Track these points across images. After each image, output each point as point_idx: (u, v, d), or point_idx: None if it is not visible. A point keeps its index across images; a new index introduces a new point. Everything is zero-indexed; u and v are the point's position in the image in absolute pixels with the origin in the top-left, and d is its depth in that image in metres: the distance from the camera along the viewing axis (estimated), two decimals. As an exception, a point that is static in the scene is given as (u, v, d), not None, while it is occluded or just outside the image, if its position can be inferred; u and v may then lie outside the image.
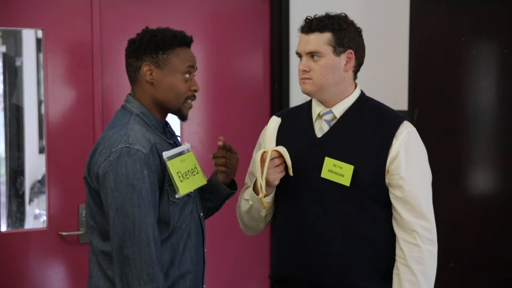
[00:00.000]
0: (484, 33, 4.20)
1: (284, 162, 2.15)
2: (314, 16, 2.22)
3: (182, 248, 2.10)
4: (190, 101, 2.14)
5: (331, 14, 2.22)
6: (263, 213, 2.26)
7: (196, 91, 2.14)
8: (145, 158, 1.97)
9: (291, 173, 2.16)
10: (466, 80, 4.18)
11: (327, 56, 2.18)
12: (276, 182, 2.17)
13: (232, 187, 2.33)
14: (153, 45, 2.07)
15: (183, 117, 2.15)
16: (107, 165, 1.97)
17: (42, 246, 3.19)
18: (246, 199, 2.30)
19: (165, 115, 2.17)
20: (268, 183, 2.15)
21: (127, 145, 1.97)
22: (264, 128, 2.39)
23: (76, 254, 3.23)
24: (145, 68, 2.08)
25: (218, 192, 2.29)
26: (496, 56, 4.26)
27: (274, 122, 2.17)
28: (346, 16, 2.23)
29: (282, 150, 2.14)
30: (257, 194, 2.20)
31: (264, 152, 2.13)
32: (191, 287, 2.14)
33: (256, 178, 2.17)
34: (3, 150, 4.00)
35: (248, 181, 2.39)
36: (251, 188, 2.26)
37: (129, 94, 2.15)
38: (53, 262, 3.22)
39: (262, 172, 2.11)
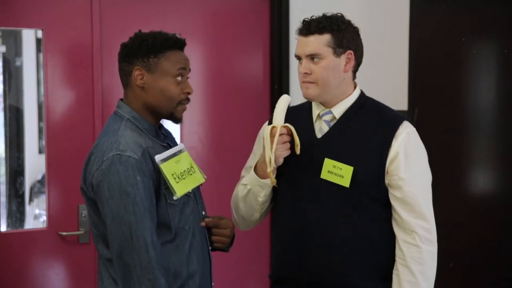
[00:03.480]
0: (484, 33, 4.20)
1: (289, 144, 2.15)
2: (311, 17, 2.21)
3: (188, 248, 2.09)
4: (183, 103, 2.11)
5: (328, 14, 2.21)
6: (260, 198, 2.24)
7: (189, 93, 2.10)
8: (137, 164, 1.96)
9: (298, 152, 2.16)
10: (466, 80, 4.18)
11: (327, 58, 2.17)
12: (281, 160, 2.15)
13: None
14: (144, 49, 2.05)
15: (176, 120, 2.12)
16: (100, 174, 1.96)
17: (42, 246, 3.19)
18: (244, 184, 2.28)
19: (158, 119, 2.14)
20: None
21: (118, 152, 1.96)
22: (265, 123, 2.40)
23: (76, 254, 3.23)
24: (136, 73, 2.06)
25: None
26: (496, 56, 4.26)
27: (285, 99, 2.17)
28: (342, 16, 2.22)
29: (291, 127, 2.14)
30: (260, 176, 2.19)
31: (273, 127, 2.13)
32: (201, 287, 2.13)
33: (259, 158, 2.18)
34: (3, 150, 4.00)
35: (245, 174, 2.38)
36: (252, 171, 2.24)
37: (121, 99, 2.14)
38: (53, 262, 3.22)
39: (271, 146, 2.11)
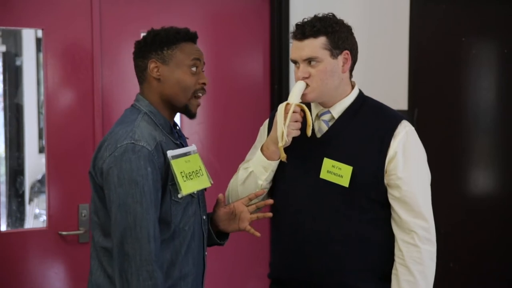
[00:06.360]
0: (484, 33, 4.20)
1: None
2: (303, 20, 2.20)
3: (185, 250, 2.10)
4: (199, 95, 2.14)
5: (319, 16, 2.20)
6: (261, 181, 2.24)
7: (204, 84, 2.14)
8: (149, 155, 1.98)
9: (309, 133, 2.17)
10: (466, 80, 4.18)
11: (325, 61, 2.16)
12: (289, 139, 2.16)
13: (222, 238, 2.32)
14: (157, 42, 2.09)
15: (190, 115, 2.15)
16: (112, 161, 1.98)
17: (42, 246, 3.19)
18: (245, 168, 2.29)
19: (174, 114, 2.17)
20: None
21: (132, 141, 1.98)
22: (266, 120, 2.41)
23: (76, 253, 3.23)
24: (151, 65, 2.10)
25: (207, 235, 2.28)
26: (496, 56, 4.25)
27: (302, 84, 2.17)
28: (334, 16, 2.22)
29: (305, 107, 2.16)
30: (266, 157, 2.20)
31: (287, 104, 2.15)
32: None
33: (267, 138, 2.20)
34: (3, 150, 4.01)
35: (241, 165, 2.38)
36: (258, 152, 2.24)
37: (139, 93, 2.17)
38: (53, 261, 3.23)
39: (285, 121, 2.13)
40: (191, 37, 2.14)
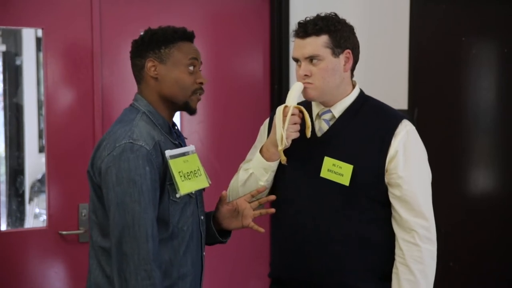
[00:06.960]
0: (484, 33, 4.20)
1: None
2: (306, 19, 2.20)
3: (184, 250, 2.10)
4: (197, 94, 2.14)
5: (322, 15, 2.20)
6: (262, 182, 2.24)
7: (202, 83, 2.14)
8: (147, 154, 1.99)
9: (308, 134, 2.16)
10: (466, 80, 4.18)
11: (326, 59, 2.17)
12: (289, 141, 2.15)
13: (224, 236, 2.32)
14: (154, 42, 2.10)
15: (191, 111, 2.16)
16: (110, 160, 1.98)
17: (42, 245, 3.19)
18: (245, 169, 2.29)
19: (173, 113, 2.17)
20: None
21: (131, 140, 1.99)
22: (266, 120, 2.41)
23: (76, 253, 3.23)
24: (149, 64, 2.10)
25: (209, 234, 2.28)
26: (496, 56, 4.26)
27: (299, 85, 2.18)
28: (337, 16, 2.22)
29: (303, 109, 2.16)
30: (266, 158, 2.20)
31: (286, 106, 2.14)
32: None
33: (267, 140, 2.20)
34: (3, 149, 4.01)
35: (242, 164, 2.38)
36: (257, 153, 2.24)
37: (138, 93, 2.17)
38: (53, 261, 3.23)
39: (283, 125, 2.13)
40: (188, 37, 2.14)
